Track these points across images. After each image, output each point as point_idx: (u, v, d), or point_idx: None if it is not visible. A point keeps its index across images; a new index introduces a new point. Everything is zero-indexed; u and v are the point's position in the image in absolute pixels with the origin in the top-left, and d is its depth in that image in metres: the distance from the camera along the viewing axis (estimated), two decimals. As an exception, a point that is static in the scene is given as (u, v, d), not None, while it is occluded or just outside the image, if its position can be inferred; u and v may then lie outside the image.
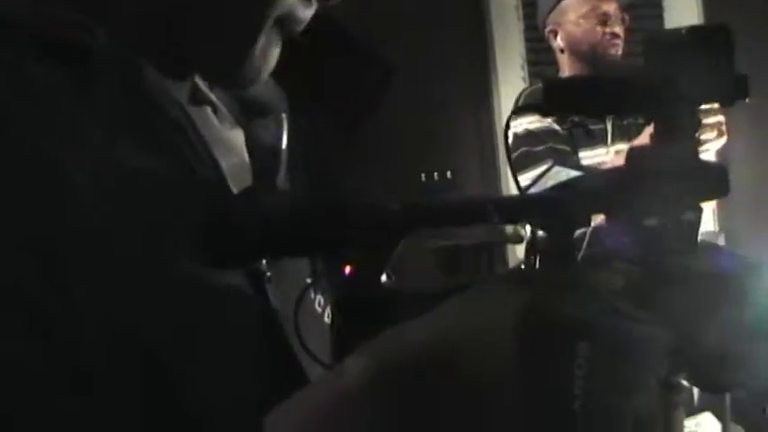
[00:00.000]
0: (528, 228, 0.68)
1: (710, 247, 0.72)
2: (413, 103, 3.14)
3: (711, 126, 2.25)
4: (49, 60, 0.61)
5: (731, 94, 0.70)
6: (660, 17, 3.63)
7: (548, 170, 2.26)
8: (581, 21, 2.61)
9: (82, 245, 0.57)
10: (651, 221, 0.64)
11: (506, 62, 3.56)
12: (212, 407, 0.62)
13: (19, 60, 0.60)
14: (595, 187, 0.67)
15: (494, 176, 3.33)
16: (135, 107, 0.64)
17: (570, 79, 0.77)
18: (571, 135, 2.45)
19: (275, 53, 0.71)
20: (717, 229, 3.36)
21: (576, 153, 2.46)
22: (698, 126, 0.70)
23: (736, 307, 0.64)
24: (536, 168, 2.37)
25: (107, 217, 0.59)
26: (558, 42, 2.68)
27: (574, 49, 2.64)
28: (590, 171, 2.23)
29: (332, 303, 0.71)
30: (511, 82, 3.51)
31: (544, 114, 0.66)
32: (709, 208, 2.74)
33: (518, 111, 0.61)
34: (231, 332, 0.65)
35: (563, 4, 2.67)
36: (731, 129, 2.33)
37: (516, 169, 2.42)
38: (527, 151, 2.43)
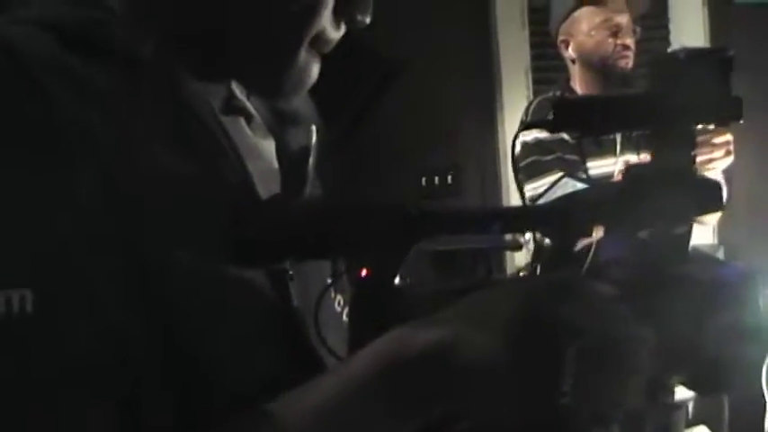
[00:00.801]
0: (528, 236, 0.73)
1: (704, 256, 0.76)
2: (416, 107, 3.16)
3: (719, 145, 2.26)
4: (102, 66, 0.67)
5: (727, 114, 0.74)
6: (666, 28, 3.65)
7: (557, 181, 2.29)
8: (593, 32, 2.63)
9: (118, 237, 0.63)
10: (644, 234, 0.68)
11: (511, 68, 3.58)
12: (236, 392, 0.67)
13: (75, 63, 0.66)
14: (595, 200, 0.72)
15: (495, 182, 3.36)
16: (173, 115, 0.70)
17: (578, 98, 0.83)
18: (580, 145, 2.46)
19: (314, 69, 0.76)
20: (716, 242, 3.39)
21: (585, 163, 2.49)
22: (694, 144, 0.74)
23: (728, 312, 0.69)
24: (545, 178, 2.40)
25: (141, 212, 0.64)
26: (570, 53, 2.70)
27: (585, 60, 2.67)
28: (598, 183, 2.27)
29: (349, 302, 0.76)
30: (515, 88, 3.52)
31: (552, 131, 0.71)
32: (709, 222, 2.77)
33: (527, 126, 0.65)
34: (253, 326, 0.71)
35: (576, 14, 2.68)
36: (733, 141, 2.33)
37: (525, 178, 2.45)
38: (536, 160, 2.45)
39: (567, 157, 2.47)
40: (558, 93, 2.74)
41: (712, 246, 3.24)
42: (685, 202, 0.71)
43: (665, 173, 0.71)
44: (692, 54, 0.73)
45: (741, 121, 0.73)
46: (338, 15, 0.75)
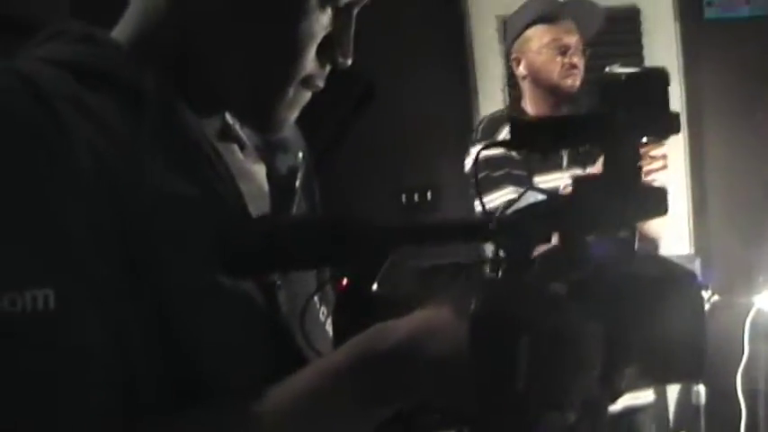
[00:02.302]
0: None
1: (649, 256, 0.83)
2: (394, 126, 3.23)
3: (657, 158, 2.37)
4: (110, 97, 0.75)
5: (666, 129, 0.82)
6: (639, 43, 3.72)
7: (523, 194, 2.37)
8: (543, 50, 2.71)
9: (125, 247, 0.71)
10: (592, 238, 0.75)
11: (487, 85, 3.64)
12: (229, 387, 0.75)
13: (86, 95, 0.74)
14: (548, 210, 0.79)
15: (473, 196, 3.42)
16: (174, 141, 0.78)
17: (532, 120, 0.90)
18: (527, 161, 2.56)
19: (299, 106, 0.85)
20: (692, 252, 3.43)
21: (530, 178, 2.57)
22: (639, 156, 0.81)
23: (669, 307, 0.75)
24: (495, 192, 2.49)
25: (146, 228, 0.72)
26: (521, 70, 2.78)
27: (534, 78, 2.74)
28: (553, 195, 2.35)
29: (332, 310, 0.84)
30: (492, 105, 3.58)
31: (512, 150, 0.78)
32: (685, 231, 2.84)
33: (489, 145, 0.70)
34: (244, 331, 0.79)
35: (527, 33, 2.75)
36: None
37: (479, 192, 2.56)
38: (486, 176, 2.52)
39: (515, 172, 2.54)
40: (506, 112, 2.85)
41: (688, 256, 3.28)
42: (631, 208, 0.77)
43: (614, 183, 0.77)
44: (632, 74, 0.81)
45: (680, 135, 0.79)
46: (322, 57, 0.82)
